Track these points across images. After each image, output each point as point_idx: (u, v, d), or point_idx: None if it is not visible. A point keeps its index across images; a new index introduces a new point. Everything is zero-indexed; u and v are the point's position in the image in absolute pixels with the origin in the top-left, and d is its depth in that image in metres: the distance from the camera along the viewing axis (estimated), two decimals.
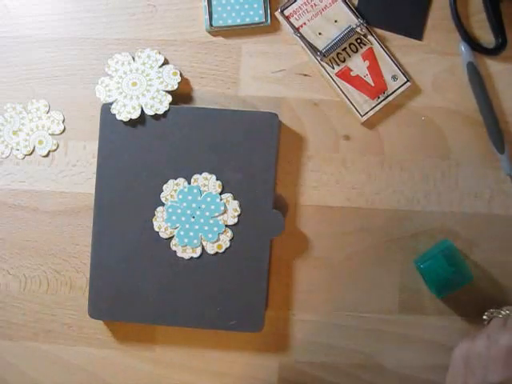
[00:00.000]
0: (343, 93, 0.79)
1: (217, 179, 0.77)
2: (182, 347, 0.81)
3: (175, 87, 0.78)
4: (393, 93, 0.79)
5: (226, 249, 0.77)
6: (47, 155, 0.81)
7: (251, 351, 0.80)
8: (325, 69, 0.79)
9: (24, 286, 0.81)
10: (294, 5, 0.80)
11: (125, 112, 0.77)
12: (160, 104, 0.77)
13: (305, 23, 0.80)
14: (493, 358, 0.66)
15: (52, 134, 0.81)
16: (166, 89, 0.78)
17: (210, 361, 0.81)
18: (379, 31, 0.81)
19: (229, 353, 0.80)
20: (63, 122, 0.81)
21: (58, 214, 0.81)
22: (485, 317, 0.76)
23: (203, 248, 0.77)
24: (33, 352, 0.81)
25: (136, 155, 0.77)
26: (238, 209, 0.77)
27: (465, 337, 0.71)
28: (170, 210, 0.77)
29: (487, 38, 0.81)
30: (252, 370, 0.80)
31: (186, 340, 0.81)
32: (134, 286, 0.77)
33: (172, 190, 0.77)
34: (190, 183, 0.77)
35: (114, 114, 0.77)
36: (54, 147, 0.81)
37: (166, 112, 0.77)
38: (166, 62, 0.80)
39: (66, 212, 0.81)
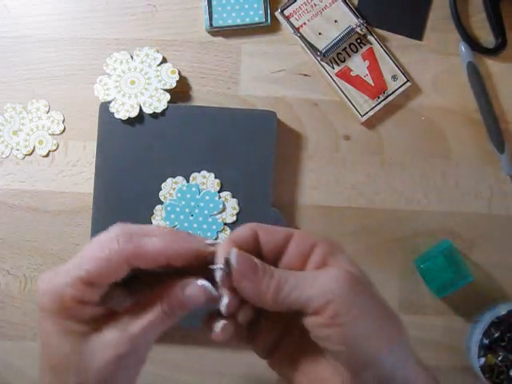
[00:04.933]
0: (343, 93, 0.76)
1: (215, 177, 0.74)
2: (181, 347, 0.78)
3: (173, 85, 0.75)
4: (393, 93, 0.76)
5: None
6: (47, 155, 0.78)
7: (251, 351, 0.76)
8: (325, 69, 0.76)
9: (24, 286, 0.78)
10: (294, 5, 0.77)
11: (123, 110, 0.74)
12: (158, 102, 0.74)
13: (305, 23, 0.76)
14: None
15: (52, 134, 0.78)
16: (165, 87, 0.75)
17: (210, 361, 0.77)
18: (379, 31, 0.78)
19: (228, 353, 0.77)
20: (63, 122, 0.78)
21: (57, 214, 0.78)
22: None
23: None
24: (33, 352, 0.78)
25: (134, 154, 0.75)
26: (237, 207, 0.74)
27: None
28: (169, 209, 0.74)
29: (487, 38, 0.78)
30: (252, 369, 0.77)
31: (185, 340, 0.77)
32: None
33: (170, 188, 0.74)
34: (188, 181, 0.74)
35: (113, 113, 0.74)
36: (54, 147, 0.78)
37: (164, 110, 0.74)
38: (164, 61, 0.77)
39: (66, 212, 0.78)
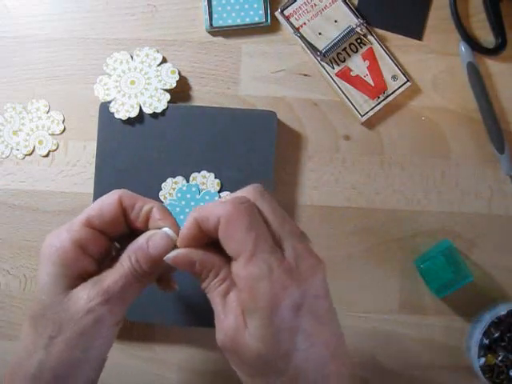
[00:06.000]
0: (343, 93, 0.76)
1: (215, 177, 0.74)
2: (182, 347, 0.77)
3: (173, 85, 0.75)
4: (393, 93, 0.76)
5: None
6: (47, 155, 0.78)
7: None
8: (325, 69, 0.76)
9: (24, 286, 0.78)
10: (294, 5, 0.76)
11: (123, 110, 0.74)
12: (158, 102, 0.74)
13: (305, 23, 0.76)
14: None
15: (52, 134, 0.77)
16: (165, 87, 0.74)
17: (210, 361, 0.77)
18: (379, 31, 0.78)
19: None
20: (63, 122, 0.78)
21: (57, 214, 0.77)
22: None
23: None
24: None
25: (134, 153, 0.74)
26: None
27: None
28: (169, 209, 0.72)
29: (487, 38, 0.78)
30: None
31: (185, 340, 0.77)
32: None
33: (170, 188, 0.74)
34: (188, 181, 0.74)
35: (113, 113, 0.74)
36: (54, 147, 0.77)
37: (164, 110, 0.74)
38: (164, 61, 0.77)
39: (66, 212, 0.77)
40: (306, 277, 0.47)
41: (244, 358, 0.47)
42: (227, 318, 0.48)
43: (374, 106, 0.76)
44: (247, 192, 0.50)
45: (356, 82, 0.76)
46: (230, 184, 0.74)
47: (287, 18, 0.76)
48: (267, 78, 0.78)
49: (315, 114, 0.77)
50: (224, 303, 0.49)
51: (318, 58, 0.76)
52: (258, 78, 0.78)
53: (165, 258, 0.51)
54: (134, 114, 0.73)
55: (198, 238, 0.50)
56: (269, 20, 0.77)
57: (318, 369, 0.47)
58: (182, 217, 0.74)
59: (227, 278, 0.49)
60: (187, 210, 0.74)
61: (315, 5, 0.76)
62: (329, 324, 0.49)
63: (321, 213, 0.77)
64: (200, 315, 0.74)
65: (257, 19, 0.76)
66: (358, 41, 0.76)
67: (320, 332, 0.47)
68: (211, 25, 0.76)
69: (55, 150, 0.77)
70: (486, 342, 0.73)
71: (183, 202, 0.74)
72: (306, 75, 0.78)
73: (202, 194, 0.74)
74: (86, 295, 0.51)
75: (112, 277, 0.52)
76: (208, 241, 0.50)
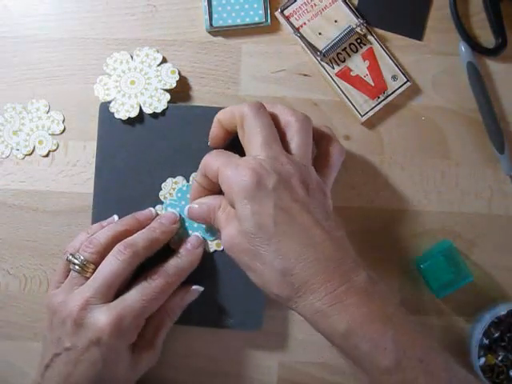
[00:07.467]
0: (343, 93, 0.76)
1: None
2: (181, 347, 0.77)
3: (173, 85, 0.75)
4: (393, 93, 0.76)
5: None
6: (47, 155, 0.77)
7: (251, 351, 0.77)
8: (325, 69, 0.76)
9: (24, 286, 0.78)
10: (293, 5, 0.76)
11: (123, 110, 0.73)
12: (158, 102, 0.74)
13: (305, 23, 0.76)
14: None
15: (52, 134, 0.77)
16: (165, 87, 0.74)
17: (210, 360, 0.77)
18: (379, 31, 0.77)
19: (228, 352, 0.77)
20: (63, 122, 0.77)
21: (57, 214, 0.77)
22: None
23: None
24: (33, 352, 0.77)
25: (134, 154, 0.74)
26: None
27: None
28: (169, 209, 0.74)
29: (487, 38, 0.78)
30: (251, 369, 0.77)
31: (185, 339, 0.77)
32: None
33: (171, 188, 0.74)
34: (188, 181, 0.74)
35: (113, 113, 0.74)
36: (54, 147, 0.77)
37: (164, 110, 0.74)
38: (164, 61, 0.76)
39: (66, 212, 0.77)
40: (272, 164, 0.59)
41: (240, 246, 0.58)
42: (226, 227, 0.61)
43: (374, 106, 0.76)
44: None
45: (356, 81, 0.76)
46: None
47: (287, 18, 0.76)
48: (267, 77, 0.77)
49: (315, 113, 0.77)
50: (226, 221, 0.62)
51: (318, 58, 0.76)
52: (258, 77, 0.77)
53: (185, 212, 0.69)
54: (134, 114, 0.73)
55: (201, 191, 0.67)
56: (269, 20, 0.76)
57: (301, 230, 0.57)
58: (182, 217, 0.73)
59: (228, 207, 0.62)
60: None
61: (315, 5, 0.76)
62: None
63: None
64: (198, 313, 0.74)
65: (257, 19, 0.76)
66: (358, 41, 0.76)
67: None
68: (211, 25, 0.76)
69: (55, 150, 0.77)
70: (486, 342, 0.73)
71: (183, 202, 0.73)
72: (306, 75, 0.78)
73: None
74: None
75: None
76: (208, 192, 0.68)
